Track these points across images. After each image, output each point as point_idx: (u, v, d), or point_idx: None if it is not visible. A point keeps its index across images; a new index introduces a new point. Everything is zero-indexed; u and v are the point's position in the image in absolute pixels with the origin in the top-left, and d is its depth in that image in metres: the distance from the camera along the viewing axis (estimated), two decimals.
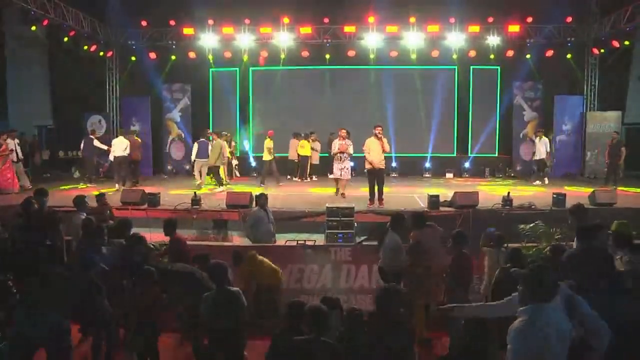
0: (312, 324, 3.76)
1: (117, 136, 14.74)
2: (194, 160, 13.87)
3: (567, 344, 3.12)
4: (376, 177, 10.61)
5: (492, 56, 16.56)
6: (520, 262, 5.31)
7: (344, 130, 11.74)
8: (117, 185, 13.52)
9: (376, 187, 10.63)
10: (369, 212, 10.10)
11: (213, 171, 13.52)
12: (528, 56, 16.81)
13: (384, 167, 10.73)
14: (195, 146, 13.82)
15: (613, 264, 4.32)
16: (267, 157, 14.58)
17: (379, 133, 10.44)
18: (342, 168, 11.54)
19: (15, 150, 13.31)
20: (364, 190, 11.09)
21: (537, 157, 14.90)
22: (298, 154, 15.97)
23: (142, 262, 5.55)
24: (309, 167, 16.07)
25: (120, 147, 13.84)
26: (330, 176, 11.95)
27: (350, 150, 11.58)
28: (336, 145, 11.60)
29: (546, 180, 14.62)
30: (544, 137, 14.81)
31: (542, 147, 14.64)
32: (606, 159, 14.39)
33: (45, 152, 17.76)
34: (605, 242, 4.93)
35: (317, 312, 3.82)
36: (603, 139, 15.79)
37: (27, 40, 17.61)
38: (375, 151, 10.44)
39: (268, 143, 14.64)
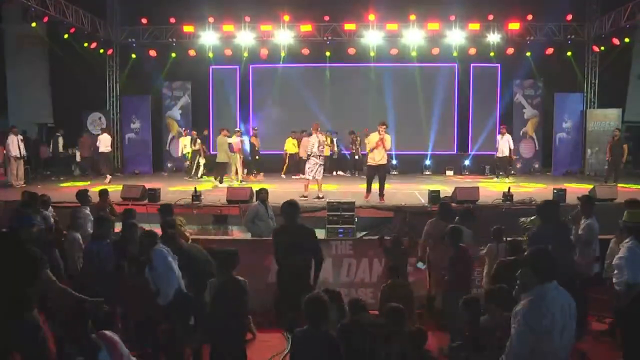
0: (310, 315, 3.66)
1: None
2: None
3: (573, 320, 3.17)
4: (377, 173, 10.69)
5: (492, 54, 16.60)
6: (520, 252, 5.33)
7: (316, 124, 11.43)
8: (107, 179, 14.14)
9: (376, 183, 10.70)
10: (369, 208, 10.11)
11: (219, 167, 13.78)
12: (528, 54, 16.84)
13: (385, 163, 10.80)
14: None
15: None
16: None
17: (382, 131, 10.42)
18: (311, 168, 11.07)
19: (19, 147, 13.42)
20: (363, 187, 11.16)
21: (499, 155, 14.86)
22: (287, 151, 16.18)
23: (138, 254, 5.53)
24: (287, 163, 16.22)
25: (104, 143, 14.60)
26: (304, 176, 11.32)
27: (326, 149, 11.45)
28: (314, 142, 11.08)
29: (506, 180, 14.48)
30: (506, 135, 14.83)
31: (504, 145, 14.63)
32: (607, 157, 14.39)
33: (46, 149, 17.77)
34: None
35: (315, 302, 3.70)
36: (603, 136, 15.80)
37: (27, 37, 17.63)
38: (378, 148, 10.51)
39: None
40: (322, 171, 11.25)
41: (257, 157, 16.07)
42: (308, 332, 3.63)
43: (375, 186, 10.76)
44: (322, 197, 10.82)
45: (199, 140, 15.41)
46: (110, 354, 3.04)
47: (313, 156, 11.08)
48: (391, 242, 6.57)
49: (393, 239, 6.57)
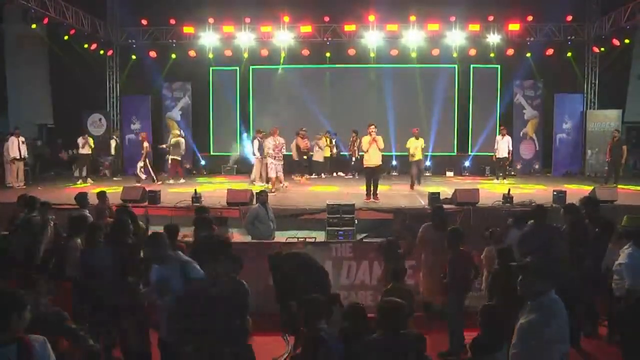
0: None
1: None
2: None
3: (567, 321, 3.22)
4: (373, 174, 10.90)
5: (492, 55, 16.61)
6: (509, 260, 5.31)
7: (275, 129, 12.74)
8: (81, 180, 14.48)
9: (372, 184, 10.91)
10: (369, 210, 10.13)
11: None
12: (528, 55, 16.83)
13: (380, 164, 10.97)
14: (256, 144, 13.80)
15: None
16: (419, 156, 13.40)
17: (372, 132, 10.73)
18: (270, 167, 12.49)
19: (19, 149, 13.49)
20: (362, 188, 11.26)
21: (499, 156, 14.80)
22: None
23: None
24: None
25: (84, 145, 14.81)
26: (272, 176, 12.56)
27: (284, 150, 12.65)
28: (270, 144, 12.43)
29: (505, 181, 14.59)
30: (507, 136, 14.83)
31: (504, 146, 14.63)
32: (607, 158, 14.38)
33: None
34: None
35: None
36: (603, 137, 15.79)
37: (27, 38, 17.64)
38: (372, 149, 10.75)
39: (416, 142, 13.37)
40: (280, 170, 12.61)
41: (304, 157, 15.76)
42: (388, 337, 3.71)
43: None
44: (274, 192, 11.89)
45: (146, 143, 14.96)
46: (18, 352, 2.94)
47: (270, 157, 12.48)
48: (387, 245, 6.54)
49: (388, 242, 6.54)
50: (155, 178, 14.56)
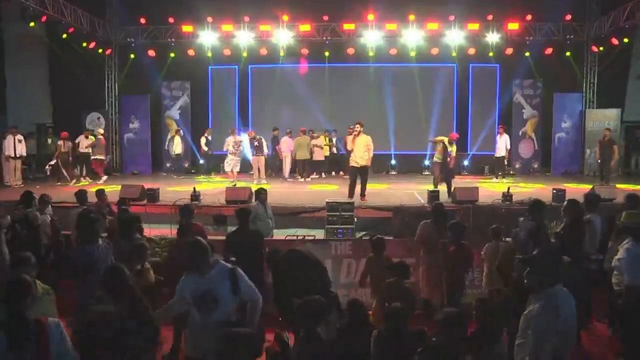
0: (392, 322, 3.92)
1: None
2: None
3: (575, 319, 3.21)
4: (359, 174, 10.68)
5: (491, 54, 16.60)
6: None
7: (233, 129, 14.18)
8: (85, 179, 14.48)
9: (360, 184, 10.76)
10: (369, 208, 10.11)
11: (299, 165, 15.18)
12: (527, 54, 16.81)
13: (364, 165, 10.66)
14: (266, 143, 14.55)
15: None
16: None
17: (356, 130, 10.60)
18: (229, 163, 13.64)
19: (14, 147, 13.45)
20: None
21: (497, 155, 14.76)
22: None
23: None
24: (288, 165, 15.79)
25: (84, 144, 14.73)
26: (227, 170, 13.80)
27: (241, 147, 13.89)
28: (230, 142, 13.63)
29: (504, 180, 14.59)
30: (504, 135, 14.79)
31: (502, 144, 14.60)
32: (597, 157, 14.35)
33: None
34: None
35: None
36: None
37: (26, 38, 17.58)
38: (356, 148, 10.63)
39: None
40: (238, 165, 13.77)
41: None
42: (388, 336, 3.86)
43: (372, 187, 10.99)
44: (234, 185, 12.32)
45: (60, 142, 14.51)
46: (36, 332, 3.05)
47: (230, 153, 13.60)
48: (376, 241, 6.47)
49: (375, 250, 6.43)
50: (62, 178, 14.15)
